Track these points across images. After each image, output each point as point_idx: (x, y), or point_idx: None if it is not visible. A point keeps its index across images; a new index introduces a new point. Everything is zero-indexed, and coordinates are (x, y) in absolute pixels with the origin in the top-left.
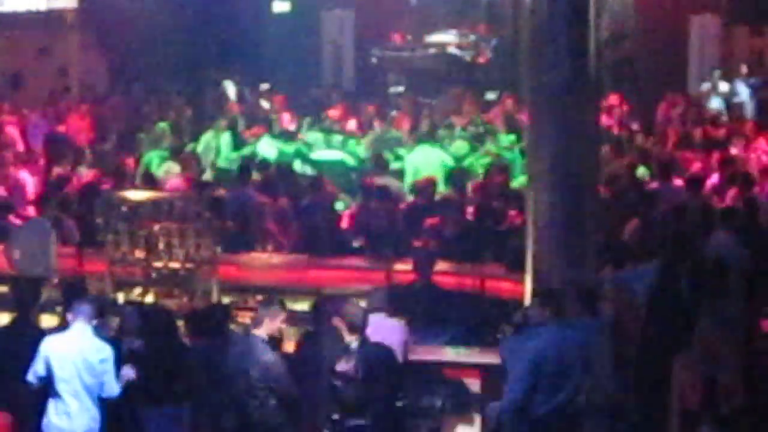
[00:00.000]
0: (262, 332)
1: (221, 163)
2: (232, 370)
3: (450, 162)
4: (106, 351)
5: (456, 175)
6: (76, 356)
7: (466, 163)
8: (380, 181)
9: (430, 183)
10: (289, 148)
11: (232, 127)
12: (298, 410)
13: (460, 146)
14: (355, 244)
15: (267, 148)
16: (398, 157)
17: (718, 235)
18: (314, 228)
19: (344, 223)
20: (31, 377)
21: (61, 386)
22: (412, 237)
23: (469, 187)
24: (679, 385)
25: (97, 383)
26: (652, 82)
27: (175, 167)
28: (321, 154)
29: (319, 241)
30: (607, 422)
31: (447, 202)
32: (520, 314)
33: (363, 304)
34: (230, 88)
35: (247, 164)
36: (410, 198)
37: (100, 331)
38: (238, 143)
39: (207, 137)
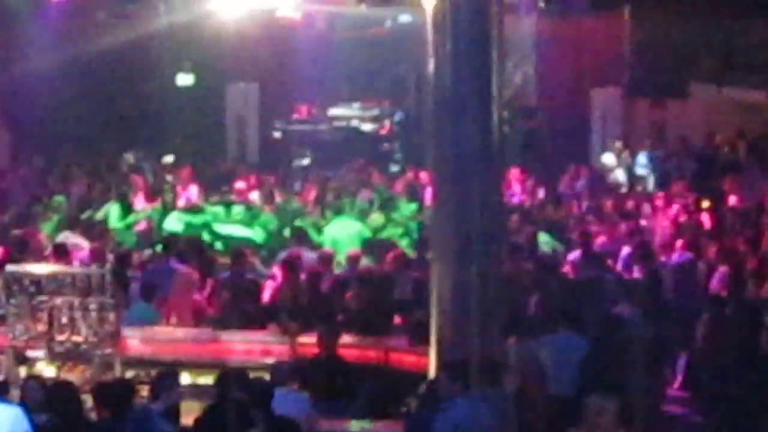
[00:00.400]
0: (159, 405)
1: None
2: None
3: (367, 233)
4: (13, 413)
5: (374, 246)
6: None
7: (384, 234)
8: (306, 254)
9: (357, 257)
10: (197, 220)
11: (122, 199)
12: None
13: (376, 218)
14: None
15: (173, 221)
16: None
17: (623, 308)
18: (236, 299)
19: (266, 295)
20: None
21: None
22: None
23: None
24: None
25: None
26: (555, 154)
27: (72, 237)
28: (227, 228)
29: (241, 313)
30: None
31: (367, 275)
32: (424, 386)
33: (267, 377)
34: (131, 161)
35: (171, 238)
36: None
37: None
38: (126, 214)
39: (106, 208)
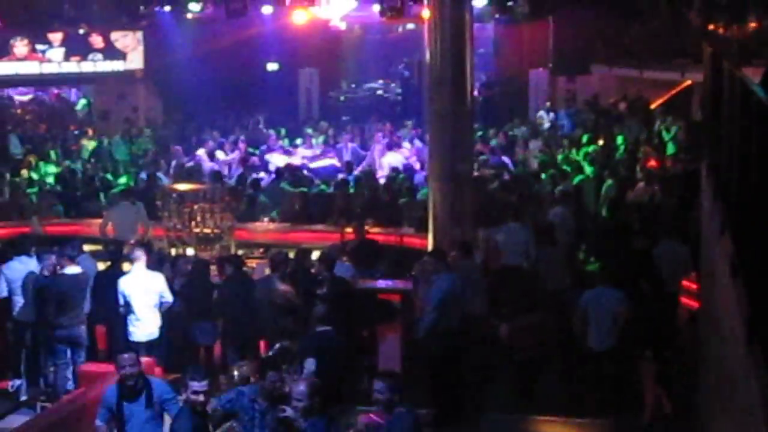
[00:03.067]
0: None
1: None
2: (261, 294)
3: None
4: (158, 277)
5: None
6: (140, 286)
7: None
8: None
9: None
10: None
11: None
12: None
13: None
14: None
15: (277, 158)
16: None
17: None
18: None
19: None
20: (122, 303)
21: (134, 307)
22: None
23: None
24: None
25: (156, 301)
26: (506, 112)
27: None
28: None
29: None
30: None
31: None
32: (419, 264)
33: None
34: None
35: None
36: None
37: (150, 268)
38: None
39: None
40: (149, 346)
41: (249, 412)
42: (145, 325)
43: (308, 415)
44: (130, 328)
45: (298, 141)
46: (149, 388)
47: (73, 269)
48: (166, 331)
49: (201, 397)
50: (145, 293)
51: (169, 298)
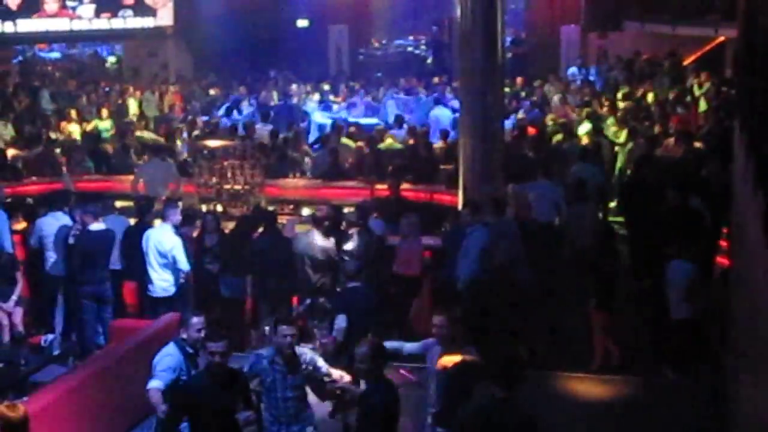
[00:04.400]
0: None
1: None
2: (300, 249)
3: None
4: (175, 240)
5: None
6: (158, 243)
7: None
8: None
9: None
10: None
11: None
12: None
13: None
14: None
15: (319, 117)
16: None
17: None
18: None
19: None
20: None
21: (151, 261)
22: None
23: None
24: None
25: (170, 260)
26: (537, 69)
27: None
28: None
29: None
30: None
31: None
32: (452, 217)
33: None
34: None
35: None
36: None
37: (177, 229)
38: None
39: None
40: (170, 302)
41: (270, 374)
42: (160, 281)
43: (369, 378)
44: (149, 284)
45: (331, 98)
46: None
47: (97, 226)
48: (194, 286)
49: (217, 358)
50: (157, 251)
51: (183, 266)
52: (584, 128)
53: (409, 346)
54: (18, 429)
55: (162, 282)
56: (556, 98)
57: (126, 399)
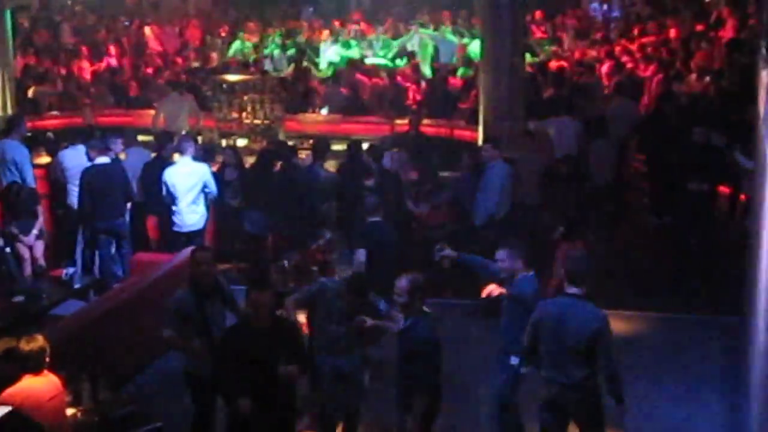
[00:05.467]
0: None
1: None
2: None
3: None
4: (204, 168)
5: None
6: (184, 177)
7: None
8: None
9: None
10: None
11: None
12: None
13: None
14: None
15: (332, 54)
16: None
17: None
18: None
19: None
20: (164, 193)
21: (179, 197)
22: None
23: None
24: None
25: (200, 191)
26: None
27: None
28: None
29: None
30: None
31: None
32: (469, 154)
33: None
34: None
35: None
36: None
37: (198, 159)
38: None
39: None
40: (194, 235)
41: (327, 306)
42: (188, 216)
43: (408, 312)
44: (175, 219)
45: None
46: (220, 284)
47: (102, 160)
48: (216, 220)
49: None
50: (188, 184)
51: (213, 188)
52: (606, 66)
53: (494, 267)
54: (34, 359)
55: (192, 215)
56: (569, 36)
57: (146, 333)
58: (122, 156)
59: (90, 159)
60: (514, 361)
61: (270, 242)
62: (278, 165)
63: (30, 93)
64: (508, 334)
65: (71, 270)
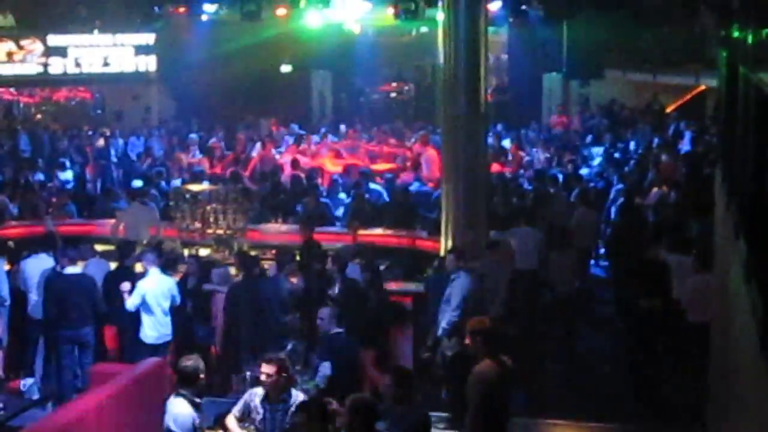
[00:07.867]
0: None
1: None
2: (269, 294)
3: None
4: (171, 279)
5: None
6: (158, 289)
7: None
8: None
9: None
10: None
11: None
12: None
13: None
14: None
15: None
16: None
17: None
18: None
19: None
20: (129, 305)
21: (152, 309)
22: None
23: None
24: None
25: (169, 304)
26: (518, 115)
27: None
28: None
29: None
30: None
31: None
32: (437, 262)
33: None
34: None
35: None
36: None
37: (167, 271)
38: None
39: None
40: (161, 347)
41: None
42: (161, 328)
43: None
44: (146, 331)
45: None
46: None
47: (73, 269)
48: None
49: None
50: (161, 296)
51: (178, 299)
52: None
53: None
54: None
55: (164, 327)
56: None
57: None
58: (78, 268)
59: (62, 267)
60: None
61: (214, 352)
62: (239, 275)
63: None
64: None
65: (29, 381)
